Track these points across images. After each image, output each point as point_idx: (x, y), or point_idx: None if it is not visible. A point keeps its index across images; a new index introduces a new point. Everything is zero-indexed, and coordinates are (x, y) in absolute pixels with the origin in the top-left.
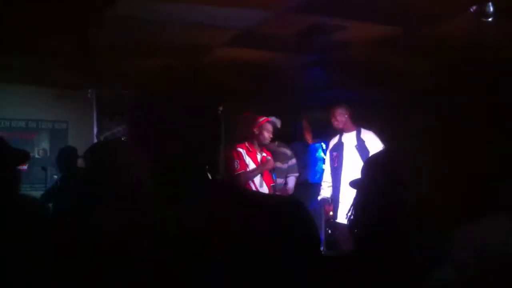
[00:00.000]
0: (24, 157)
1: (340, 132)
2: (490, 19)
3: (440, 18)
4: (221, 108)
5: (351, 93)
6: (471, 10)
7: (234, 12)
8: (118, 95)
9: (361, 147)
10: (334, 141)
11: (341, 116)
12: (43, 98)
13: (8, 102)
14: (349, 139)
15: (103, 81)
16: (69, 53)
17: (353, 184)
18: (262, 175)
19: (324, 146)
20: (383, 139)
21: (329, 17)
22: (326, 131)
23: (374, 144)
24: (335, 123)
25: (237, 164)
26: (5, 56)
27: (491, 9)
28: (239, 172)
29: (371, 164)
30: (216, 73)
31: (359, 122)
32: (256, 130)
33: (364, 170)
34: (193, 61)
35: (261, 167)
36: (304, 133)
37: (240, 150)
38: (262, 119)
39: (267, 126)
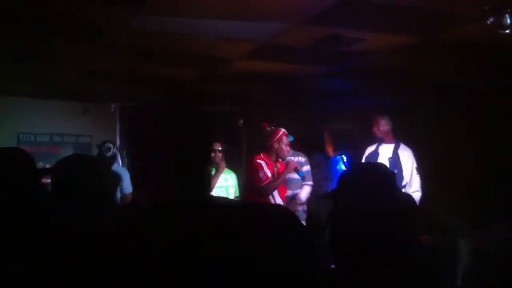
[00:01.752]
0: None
1: (379, 142)
2: (507, 31)
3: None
4: (241, 121)
5: (374, 102)
6: (489, 22)
7: (252, 25)
8: (141, 108)
9: (395, 161)
10: (371, 149)
11: (384, 126)
12: (68, 112)
13: (33, 117)
14: (386, 150)
15: (126, 94)
16: (93, 66)
17: (327, 196)
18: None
19: (345, 158)
20: (417, 160)
21: (346, 27)
22: (347, 143)
23: (408, 162)
24: (377, 132)
25: (262, 174)
26: (30, 70)
27: (509, 20)
28: (266, 182)
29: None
30: (236, 84)
31: (399, 136)
32: (275, 144)
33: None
34: (213, 73)
35: (284, 172)
36: (326, 145)
37: (260, 161)
38: (281, 132)
39: (286, 140)
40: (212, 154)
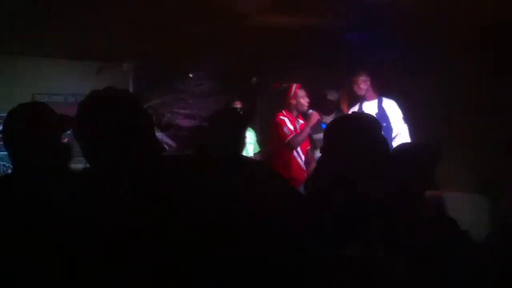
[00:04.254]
0: (70, 122)
1: (362, 100)
2: None
3: None
4: (255, 79)
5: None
6: None
7: None
8: (155, 67)
9: (382, 115)
10: (354, 109)
11: (363, 84)
12: (81, 72)
13: (46, 76)
14: (370, 107)
15: (139, 53)
16: (107, 26)
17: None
18: None
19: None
20: (404, 108)
21: None
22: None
23: (395, 113)
24: (357, 91)
25: (286, 129)
26: (43, 30)
27: None
28: (291, 136)
29: (329, 129)
30: (254, 40)
31: (381, 90)
32: (293, 100)
33: (325, 135)
34: (231, 27)
35: (308, 125)
36: (341, 103)
37: (283, 117)
38: (294, 87)
39: (301, 93)
40: None
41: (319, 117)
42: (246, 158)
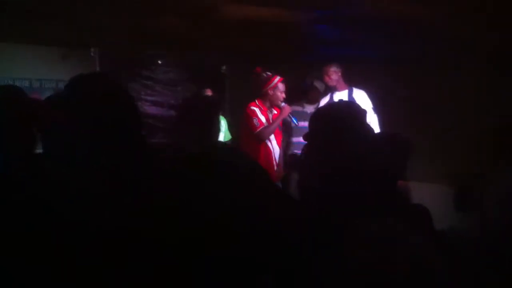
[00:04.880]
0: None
1: (332, 90)
2: None
3: None
4: (224, 67)
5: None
6: None
7: None
8: (121, 54)
9: None
10: (325, 100)
11: (334, 74)
12: (47, 57)
13: (11, 62)
14: (340, 97)
15: (106, 39)
16: (73, 10)
17: (304, 136)
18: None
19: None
20: (373, 99)
21: None
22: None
23: (365, 103)
24: (328, 81)
25: (256, 121)
26: (8, 14)
27: None
28: (260, 128)
29: (316, 116)
30: (223, 33)
31: (351, 81)
32: (270, 91)
33: (310, 123)
34: (199, 21)
35: (279, 118)
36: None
37: (254, 108)
38: (276, 79)
39: (281, 87)
40: None
41: (289, 110)
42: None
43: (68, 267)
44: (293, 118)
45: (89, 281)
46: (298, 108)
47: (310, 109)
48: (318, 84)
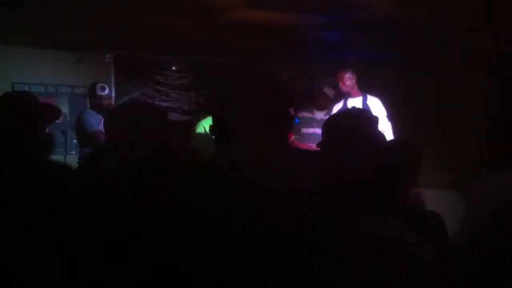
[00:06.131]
0: (56, 113)
1: (346, 97)
2: None
3: None
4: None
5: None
6: None
7: None
8: (136, 58)
9: None
10: (339, 106)
11: (348, 81)
12: (62, 62)
13: (27, 66)
14: (354, 104)
15: (121, 44)
16: (86, 14)
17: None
18: None
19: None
20: (387, 106)
21: None
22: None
23: (379, 111)
24: (342, 87)
25: None
26: (23, 18)
27: None
28: None
29: (329, 124)
30: (234, 35)
31: (365, 87)
32: None
33: (324, 129)
34: (211, 23)
35: None
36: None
37: None
38: None
39: None
40: None
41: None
42: None
43: (68, 267)
44: (296, 120)
45: (90, 280)
46: (308, 115)
47: (319, 115)
48: (328, 91)
